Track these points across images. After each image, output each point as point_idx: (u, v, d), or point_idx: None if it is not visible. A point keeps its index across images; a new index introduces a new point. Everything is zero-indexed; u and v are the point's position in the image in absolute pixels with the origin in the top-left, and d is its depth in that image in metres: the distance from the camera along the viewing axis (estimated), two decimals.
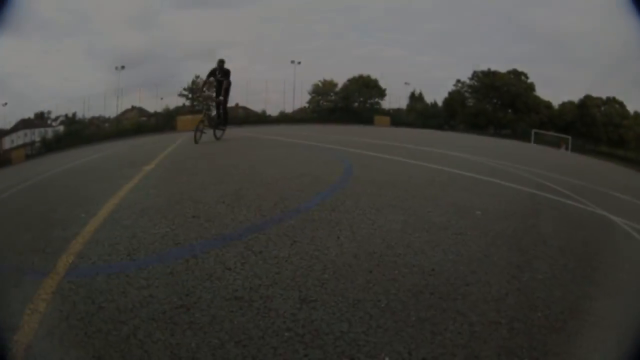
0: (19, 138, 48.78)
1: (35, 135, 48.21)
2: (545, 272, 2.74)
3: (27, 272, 3.04)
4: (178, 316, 2.13)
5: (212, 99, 13.04)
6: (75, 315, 2.26)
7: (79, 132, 44.96)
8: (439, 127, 35.12)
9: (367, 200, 4.16)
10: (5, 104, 51.56)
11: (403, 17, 55.43)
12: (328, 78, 43.96)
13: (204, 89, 14.80)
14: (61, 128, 48.33)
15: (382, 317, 1.99)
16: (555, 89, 50.43)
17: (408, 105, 42.32)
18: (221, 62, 11.18)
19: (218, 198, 4.43)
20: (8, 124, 47.57)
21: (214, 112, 12.09)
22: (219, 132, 11.39)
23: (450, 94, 40.28)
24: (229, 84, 11.16)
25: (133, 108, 49.82)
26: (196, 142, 10.35)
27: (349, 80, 43.62)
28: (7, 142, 48.70)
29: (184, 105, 47.87)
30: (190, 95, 46.60)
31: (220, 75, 11.01)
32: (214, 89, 11.65)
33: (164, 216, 3.90)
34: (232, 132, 12.07)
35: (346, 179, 5.33)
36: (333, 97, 43.86)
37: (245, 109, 48.04)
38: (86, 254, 3.14)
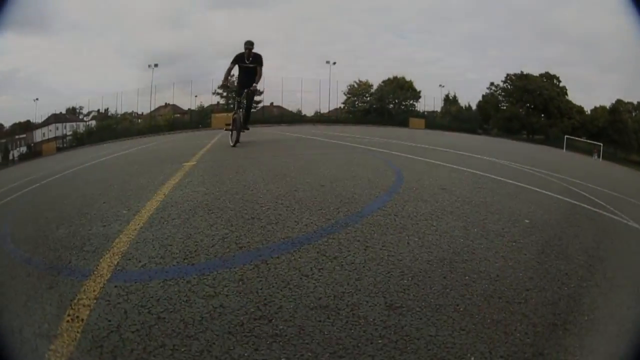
0: (50, 131, 50.68)
1: (66, 129, 49.98)
2: (589, 280, 2.81)
3: (63, 271, 2.68)
4: (260, 328, 1.92)
5: (237, 93, 9.73)
6: (129, 326, 1.96)
7: (111, 127, 46.39)
8: (473, 130, 34.60)
9: (425, 206, 4.01)
10: (37, 99, 53.11)
11: (436, 19, 55.55)
12: (363, 79, 44.35)
13: (227, 79, 10.36)
14: (93, 123, 50.08)
15: (463, 321, 2.04)
16: (587, 93, 49.57)
17: (442, 108, 42.20)
18: (250, 45, 9.08)
19: (274, 199, 4.08)
20: (40, 118, 49.64)
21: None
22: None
23: (484, 97, 40.18)
24: (261, 73, 9.30)
25: (167, 105, 50.97)
26: (234, 144, 9.03)
27: (383, 82, 43.68)
28: (38, 135, 50.83)
29: (218, 103, 48.96)
30: (224, 94, 47.57)
31: (250, 61, 9.15)
32: (240, 79, 9.54)
33: (219, 217, 3.53)
34: (269, 130, 11.67)
35: (398, 183, 5.13)
36: (368, 98, 43.92)
37: (280, 108, 48.50)
38: (134, 255, 2.76)
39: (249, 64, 9.12)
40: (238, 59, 9.21)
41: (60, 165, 11.63)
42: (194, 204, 3.95)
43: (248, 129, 9.85)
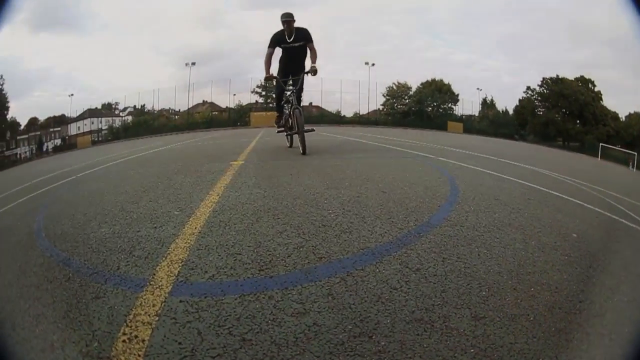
0: (85, 125, 52.23)
1: (102, 123, 51.46)
2: (632, 296, 2.82)
3: (111, 279, 2.36)
4: (362, 346, 1.79)
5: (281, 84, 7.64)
6: (207, 350, 1.68)
7: (147, 122, 47.46)
8: (510, 136, 33.90)
9: (485, 217, 3.81)
10: (72, 94, 56.99)
11: (469, 19, 55.10)
12: (402, 81, 44.71)
13: (269, 69, 7.45)
14: (129, 118, 51.46)
15: (533, 329, 2.08)
16: (620, 97, 48.18)
17: (480, 112, 42.46)
18: (289, 17, 7.08)
19: (341, 206, 3.74)
20: (74, 113, 51.26)
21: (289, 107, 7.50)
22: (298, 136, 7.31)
23: (520, 101, 40.01)
24: (315, 50, 7.34)
25: (204, 102, 52.21)
26: (303, 152, 7.14)
27: (422, 84, 44.08)
28: (73, 129, 52.33)
29: (256, 102, 49.80)
30: (263, 93, 48.38)
31: (294, 39, 7.18)
32: (284, 66, 7.52)
33: (287, 223, 3.19)
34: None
35: (454, 192, 4.90)
36: (407, 101, 44.30)
37: (318, 108, 48.71)
38: (197, 265, 2.43)
39: (293, 42, 7.16)
40: (278, 40, 7.19)
41: (96, 158, 11.56)
42: (255, 208, 3.62)
43: (313, 129, 8.10)
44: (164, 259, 2.50)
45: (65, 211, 4.46)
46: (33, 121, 60.95)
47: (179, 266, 2.39)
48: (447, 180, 5.59)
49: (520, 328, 2.10)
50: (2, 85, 47.34)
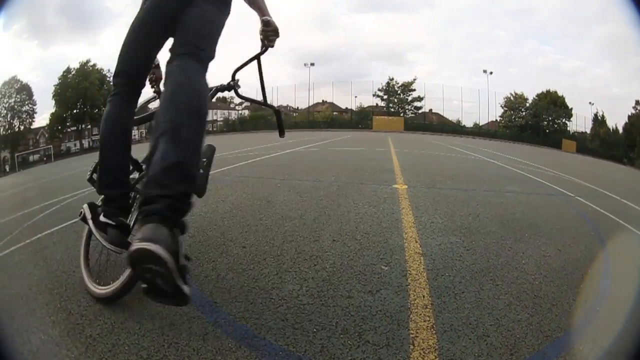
0: None
1: (217, 115, 54.66)
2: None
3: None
4: None
5: None
6: None
7: (265, 117, 49.56)
8: (619, 159, 30.24)
9: None
10: None
11: (573, 20, 51.19)
12: (518, 90, 44.72)
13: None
14: (246, 112, 54.34)
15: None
16: None
17: (592, 129, 39.99)
18: None
19: None
20: None
21: None
22: None
23: (629, 118, 36.33)
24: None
25: (324, 102, 53.72)
26: None
27: (537, 96, 43.62)
28: None
29: (376, 105, 50.25)
30: (385, 97, 48.84)
31: None
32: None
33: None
34: (437, 141, 10.55)
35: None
36: (524, 113, 44.16)
37: (439, 115, 47.94)
38: (452, 353, 2.03)
39: None
40: None
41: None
42: (467, 265, 3.17)
43: None
44: (411, 348, 2.06)
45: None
46: (143, 107, 66.83)
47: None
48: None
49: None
50: (110, 77, 53.04)
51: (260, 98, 2.77)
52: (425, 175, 7.10)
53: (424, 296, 2.62)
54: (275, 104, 38.95)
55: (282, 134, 2.87)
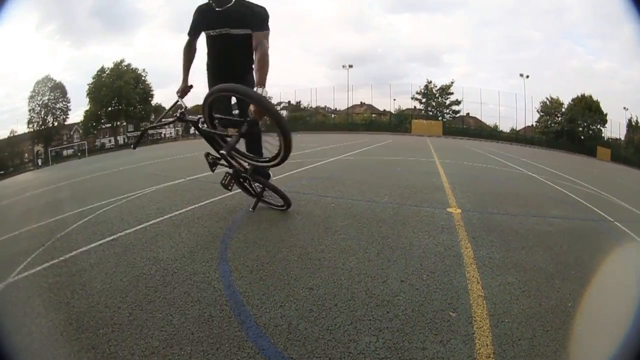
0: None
1: None
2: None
3: None
4: None
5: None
6: None
7: (304, 118, 50.20)
8: None
9: None
10: None
11: (604, 17, 50.07)
12: (553, 94, 43.78)
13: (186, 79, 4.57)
14: (285, 113, 55.46)
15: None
16: None
17: (626, 136, 38.77)
18: None
19: None
20: None
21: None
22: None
23: None
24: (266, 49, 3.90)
25: (362, 104, 53.91)
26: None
27: (572, 100, 42.65)
28: None
29: (415, 108, 50.26)
30: (423, 100, 48.74)
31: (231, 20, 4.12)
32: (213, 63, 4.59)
33: None
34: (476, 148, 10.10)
35: None
36: (559, 119, 43.20)
37: (476, 119, 47.45)
38: None
39: (229, 25, 4.14)
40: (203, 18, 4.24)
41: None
42: (537, 315, 2.86)
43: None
44: None
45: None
46: (178, 107, 69.16)
47: None
48: None
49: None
50: (145, 76, 56.61)
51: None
52: (474, 196, 6.73)
53: (487, 345, 2.46)
54: (313, 105, 44.21)
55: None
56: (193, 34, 4.33)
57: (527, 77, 42.93)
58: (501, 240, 4.42)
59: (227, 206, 5.60)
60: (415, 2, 77.68)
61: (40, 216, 6.67)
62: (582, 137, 39.75)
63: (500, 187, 8.08)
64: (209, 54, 4.40)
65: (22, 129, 50.45)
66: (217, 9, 4.04)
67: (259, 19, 4.00)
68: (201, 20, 4.23)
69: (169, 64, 77.73)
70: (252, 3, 4.10)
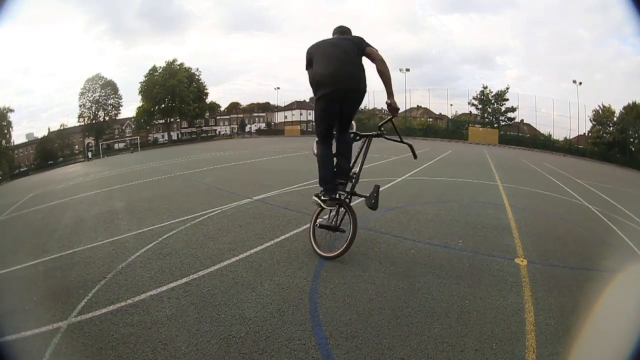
0: (293, 115, 58.96)
1: (311, 115, 58.79)
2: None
3: None
4: None
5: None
6: None
7: (361, 120, 50.71)
8: None
9: None
10: (278, 88, 74.17)
11: None
12: (606, 103, 43.24)
13: None
14: None
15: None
16: None
17: None
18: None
19: None
20: (281, 102, 59.50)
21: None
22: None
23: None
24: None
25: (419, 107, 53.85)
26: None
27: (624, 109, 42.19)
28: (280, 117, 60.07)
29: (470, 113, 49.72)
30: (479, 106, 48.17)
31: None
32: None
33: None
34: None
35: None
36: (611, 129, 42.48)
37: (530, 127, 46.54)
38: None
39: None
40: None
41: None
42: None
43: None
44: None
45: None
46: (234, 105, 74.37)
47: None
48: None
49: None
50: (199, 75, 60.75)
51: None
52: (538, 240, 6.33)
53: None
54: (371, 107, 46.74)
55: (415, 157, 5.41)
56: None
57: (580, 83, 43.03)
58: (558, 303, 4.22)
59: (304, 247, 5.34)
60: (464, 2, 77.77)
61: (95, 233, 6.63)
62: (633, 149, 39.16)
63: (560, 226, 7.72)
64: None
65: (72, 122, 53.19)
66: None
67: (362, 39, 4.87)
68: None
69: (222, 62, 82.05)
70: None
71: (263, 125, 69.49)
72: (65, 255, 5.60)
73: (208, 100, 62.59)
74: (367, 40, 4.67)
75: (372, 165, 14.31)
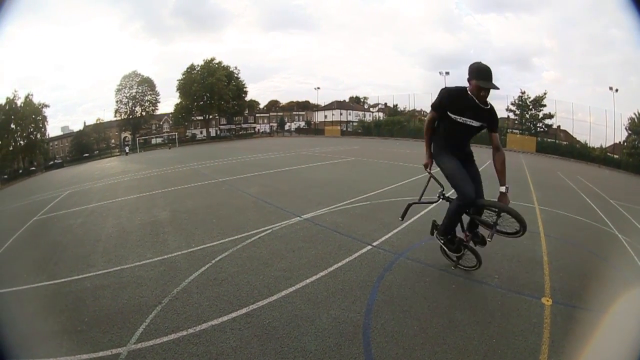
0: (333, 115, 59.47)
1: (351, 115, 57.98)
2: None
3: None
4: None
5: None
6: None
7: (401, 123, 50.55)
8: None
9: None
10: (318, 88, 70.88)
11: None
12: None
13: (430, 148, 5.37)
14: (381, 115, 56.20)
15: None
16: None
17: None
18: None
19: None
20: (322, 103, 59.92)
21: None
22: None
23: None
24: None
25: None
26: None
27: None
28: (320, 116, 60.50)
29: (508, 117, 49.02)
30: (517, 112, 47.44)
31: (478, 114, 4.83)
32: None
33: None
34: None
35: None
36: None
37: (566, 133, 45.40)
38: None
39: (476, 117, 4.88)
40: (457, 104, 4.89)
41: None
42: None
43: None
44: None
45: None
46: (273, 103, 75.89)
47: None
48: None
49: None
50: (238, 73, 62.11)
51: None
52: (565, 276, 6.21)
53: None
54: (408, 109, 50.00)
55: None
56: (440, 111, 5.00)
57: (617, 90, 41.88)
58: (571, 347, 4.27)
59: (357, 277, 5.56)
60: (499, 1, 76.47)
61: (141, 249, 6.91)
62: None
63: (589, 261, 7.37)
64: (447, 129, 5.05)
65: (108, 116, 54.87)
66: (479, 106, 4.82)
67: (496, 122, 5.03)
68: (452, 104, 4.89)
69: (260, 60, 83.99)
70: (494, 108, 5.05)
71: (303, 123, 70.31)
72: (112, 272, 5.82)
73: (247, 98, 63.51)
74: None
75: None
